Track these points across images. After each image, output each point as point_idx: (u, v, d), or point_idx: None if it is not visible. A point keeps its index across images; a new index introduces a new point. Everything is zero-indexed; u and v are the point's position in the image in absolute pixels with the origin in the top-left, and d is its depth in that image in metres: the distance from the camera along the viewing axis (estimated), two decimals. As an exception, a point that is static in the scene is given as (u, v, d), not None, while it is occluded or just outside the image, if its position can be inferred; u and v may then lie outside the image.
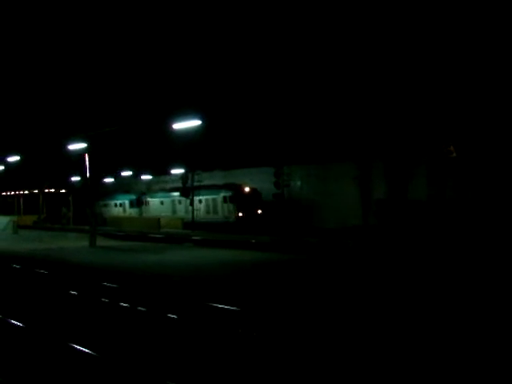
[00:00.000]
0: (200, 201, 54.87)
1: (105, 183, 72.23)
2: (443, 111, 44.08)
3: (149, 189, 70.05)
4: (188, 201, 55.65)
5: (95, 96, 50.14)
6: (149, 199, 65.14)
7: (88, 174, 39.60)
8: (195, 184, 55.43)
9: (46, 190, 79.53)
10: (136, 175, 68.92)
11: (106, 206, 71.85)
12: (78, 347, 11.43)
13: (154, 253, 33.01)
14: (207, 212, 54.46)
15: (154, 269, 24.71)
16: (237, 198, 51.07)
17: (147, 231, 51.91)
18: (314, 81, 46.58)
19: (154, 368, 10.27)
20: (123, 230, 55.99)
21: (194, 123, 29.20)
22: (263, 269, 24.55)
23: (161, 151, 59.26)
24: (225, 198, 52.04)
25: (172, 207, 60.12)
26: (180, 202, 58.36)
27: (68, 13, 41.25)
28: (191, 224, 53.53)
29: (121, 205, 69.84)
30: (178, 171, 58.77)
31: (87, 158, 39.26)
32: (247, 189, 51.88)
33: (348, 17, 42.01)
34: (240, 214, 50.30)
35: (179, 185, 57.51)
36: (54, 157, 59.85)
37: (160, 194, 63.95)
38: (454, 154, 44.62)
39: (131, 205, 67.47)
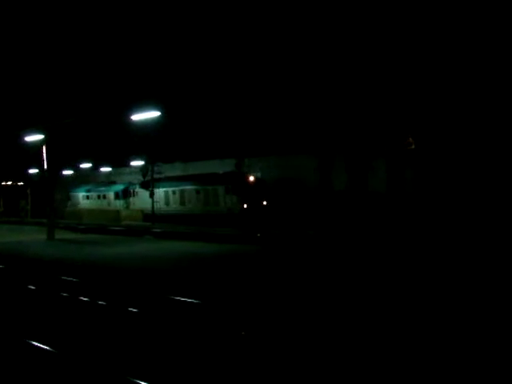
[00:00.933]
0: (197, 191, 51.35)
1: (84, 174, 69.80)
2: (402, 104, 44.58)
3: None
4: (186, 192, 52.55)
5: (54, 86, 49.30)
6: (138, 190, 59.44)
7: (46, 166, 38.93)
8: (183, 174, 54.96)
9: (3, 183, 78.14)
10: (95, 167, 67.86)
11: (71, 198, 69.05)
12: (36, 343, 11.21)
13: (112, 246, 32.65)
14: (205, 204, 50.74)
15: (113, 262, 24.43)
16: (242, 188, 47.70)
17: (108, 224, 51.37)
18: (276, 74, 46.61)
19: (115, 363, 10.12)
20: (84, 222, 55.32)
21: (153, 114, 28.97)
22: (222, 260, 24.48)
23: (120, 143, 58.66)
24: (227, 188, 48.35)
25: (165, 199, 55.32)
26: (174, 192, 54.27)
27: None
28: (151, 217, 53.08)
29: (104, 196, 64.61)
30: (137, 163, 58.16)
31: (44, 150, 38.60)
32: (252, 178, 48.62)
33: (306, 9, 42.10)
34: (245, 206, 46.99)
35: (173, 174, 56.28)
36: (10, 149, 58.73)
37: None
38: (413, 146, 45.18)
39: (116, 196, 62.59)
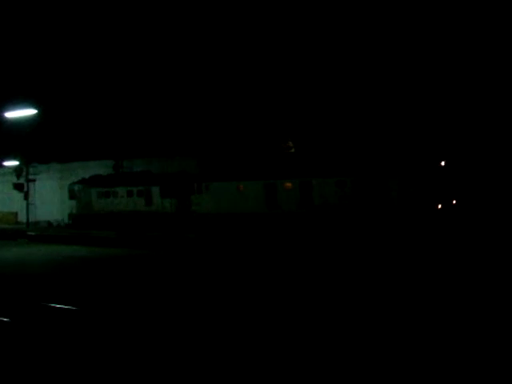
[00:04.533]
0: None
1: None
2: (279, 109, 45.38)
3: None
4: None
5: None
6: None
7: None
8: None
9: None
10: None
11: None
12: None
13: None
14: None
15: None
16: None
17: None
18: (153, 77, 46.16)
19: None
20: None
21: (28, 112, 27.77)
22: (94, 264, 23.89)
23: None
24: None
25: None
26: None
27: None
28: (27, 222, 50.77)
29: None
30: (11, 163, 55.48)
31: None
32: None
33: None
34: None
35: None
36: None
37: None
38: (293, 150, 46.03)
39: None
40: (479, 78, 39.89)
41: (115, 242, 34.49)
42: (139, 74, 46.22)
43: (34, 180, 52.08)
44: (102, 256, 27.17)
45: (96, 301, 15.72)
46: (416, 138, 39.64)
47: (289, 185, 35.18)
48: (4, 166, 58.83)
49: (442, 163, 32.08)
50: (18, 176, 53.38)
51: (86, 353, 10.81)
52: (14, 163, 54.80)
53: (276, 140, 45.74)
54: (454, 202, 33.10)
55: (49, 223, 52.92)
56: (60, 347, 11.29)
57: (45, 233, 41.70)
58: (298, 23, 42.79)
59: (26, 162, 53.17)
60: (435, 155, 33.05)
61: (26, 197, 51.37)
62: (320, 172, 34.27)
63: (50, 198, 55.29)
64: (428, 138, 38.80)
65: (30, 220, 50.87)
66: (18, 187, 53.19)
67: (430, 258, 22.47)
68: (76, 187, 47.59)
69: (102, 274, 21.09)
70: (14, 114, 28.43)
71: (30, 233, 41.91)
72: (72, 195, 47.87)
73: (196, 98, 47.07)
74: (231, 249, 29.38)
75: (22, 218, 54.55)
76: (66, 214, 50.33)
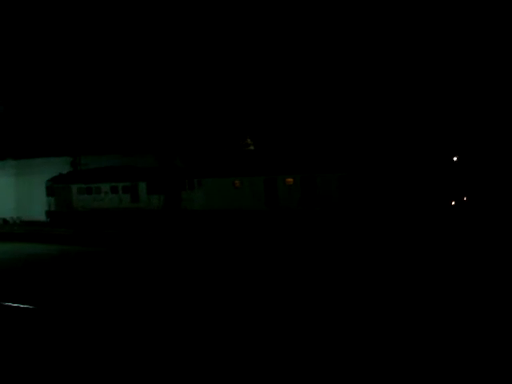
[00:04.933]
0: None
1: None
2: (239, 107, 45.43)
3: None
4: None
5: None
6: None
7: None
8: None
9: None
10: None
11: None
12: None
13: None
14: None
15: None
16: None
17: None
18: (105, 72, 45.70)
19: None
20: None
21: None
22: (42, 262, 23.79)
23: None
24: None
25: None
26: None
27: None
28: None
29: None
30: None
31: None
32: None
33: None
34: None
35: None
36: None
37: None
38: (252, 147, 46.14)
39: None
40: (493, 72, 39.71)
41: (72, 239, 34.15)
42: (99, 66, 45.68)
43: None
44: (52, 254, 26.95)
45: (53, 299, 15.58)
46: (423, 133, 38.09)
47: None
48: None
49: (454, 158, 29.25)
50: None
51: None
52: None
53: (235, 137, 45.81)
54: (465, 198, 29.90)
55: (4, 220, 52.01)
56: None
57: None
58: (255, 18, 42.67)
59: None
60: (446, 150, 30.09)
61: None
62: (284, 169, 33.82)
63: (5, 195, 54.32)
64: (437, 133, 36.60)
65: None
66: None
67: (434, 257, 22.05)
68: (54, 183, 45.50)
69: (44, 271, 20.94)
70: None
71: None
72: (50, 192, 45.61)
73: (156, 93, 46.77)
74: (204, 246, 29.22)
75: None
76: (22, 211, 49.46)
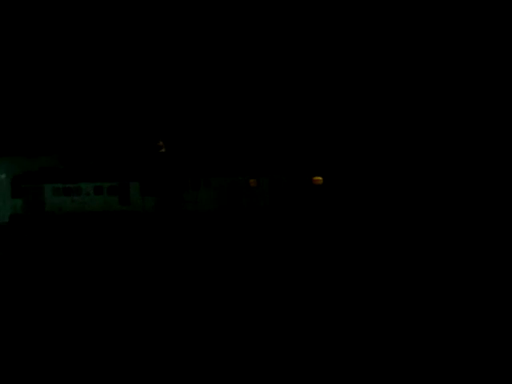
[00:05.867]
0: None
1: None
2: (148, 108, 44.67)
3: None
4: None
5: None
6: None
7: None
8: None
9: None
10: None
11: None
12: None
13: None
14: None
15: None
16: None
17: None
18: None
19: None
20: None
21: None
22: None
23: None
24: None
25: None
26: None
27: None
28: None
29: None
30: None
31: None
32: None
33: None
34: None
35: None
36: None
37: None
38: (164, 150, 45.61)
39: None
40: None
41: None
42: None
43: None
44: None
45: None
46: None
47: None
48: None
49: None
50: None
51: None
52: None
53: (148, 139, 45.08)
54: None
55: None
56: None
57: None
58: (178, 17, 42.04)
59: None
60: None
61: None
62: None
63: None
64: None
65: None
66: None
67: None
68: (21, 182, 39.88)
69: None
70: None
71: None
72: (16, 192, 40.34)
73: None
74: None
75: None
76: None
